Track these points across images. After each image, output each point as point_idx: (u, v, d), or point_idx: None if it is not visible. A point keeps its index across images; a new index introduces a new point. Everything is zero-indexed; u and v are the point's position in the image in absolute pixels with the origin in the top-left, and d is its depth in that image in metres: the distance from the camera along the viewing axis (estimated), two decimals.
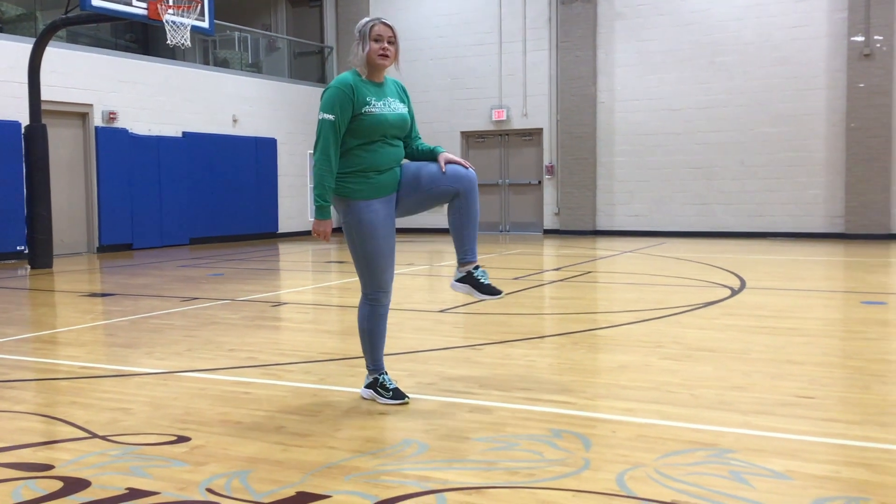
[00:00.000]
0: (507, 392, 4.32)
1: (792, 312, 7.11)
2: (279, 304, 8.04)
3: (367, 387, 4.22)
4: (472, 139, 19.18)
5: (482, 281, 4.13)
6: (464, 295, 4.32)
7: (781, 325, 6.44)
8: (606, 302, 8.43)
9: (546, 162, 18.39)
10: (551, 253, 14.15)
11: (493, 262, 12.18)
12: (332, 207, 4.04)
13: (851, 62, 15.53)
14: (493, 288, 4.15)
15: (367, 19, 4.10)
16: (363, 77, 4.05)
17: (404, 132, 4.14)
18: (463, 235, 4.13)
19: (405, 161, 4.22)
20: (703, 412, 3.94)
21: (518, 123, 18.58)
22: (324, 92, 4.05)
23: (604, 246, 14.99)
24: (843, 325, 6.80)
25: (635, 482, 2.98)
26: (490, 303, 7.74)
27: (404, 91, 4.24)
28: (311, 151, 4.18)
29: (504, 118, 18.55)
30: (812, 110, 16.02)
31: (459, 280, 4.18)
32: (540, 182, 18.59)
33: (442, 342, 5.81)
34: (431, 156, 4.16)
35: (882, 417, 3.88)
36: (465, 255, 4.15)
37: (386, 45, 4.03)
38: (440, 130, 19.10)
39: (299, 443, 3.50)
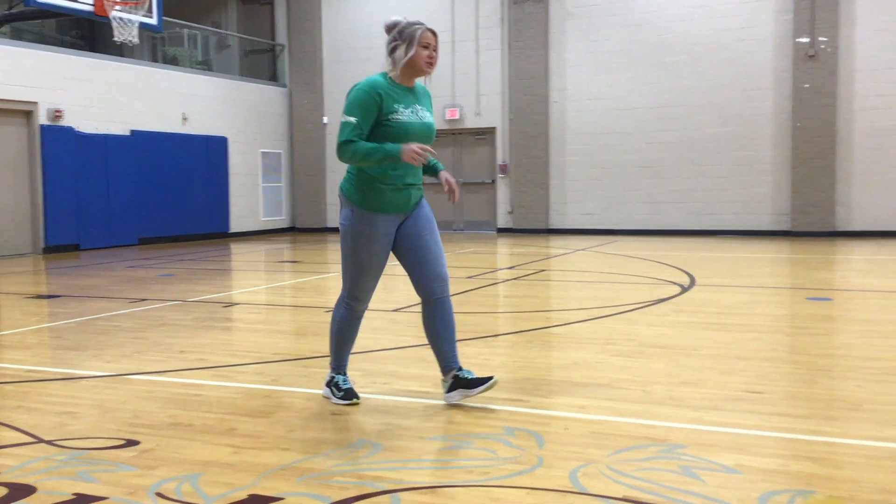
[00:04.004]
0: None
1: (740, 309, 7.23)
2: (231, 304, 7.94)
3: (326, 385, 4.22)
4: None
5: (470, 378, 4.04)
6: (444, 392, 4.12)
7: (730, 321, 6.55)
8: (559, 300, 8.49)
9: (499, 161, 18.46)
10: (505, 251, 14.21)
11: (447, 261, 12.19)
12: (385, 147, 3.81)
13: (797, 63, 15.86)
14: (482, 379, 4.03)
15: (412, 22, 4.01)
16: (394, 80, 3.98)
17: (429, 143, 4.01)
18: (444, 345, 4.08)
19: (426, 205, 4.14)
20: (655, 408, 3.99)
21: (471, 122, 18.61)
22: (349, 92, 3.92)
23: (557, 244, 15.10)
24: (790, 321, 6.94)
25: (588, 479, 3.00)
26: None
27: (430, 99, 4.16)
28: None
29: (457, 117, 18.57)
30: (759, 110, 16.32)
31: (450, 390, 4.07)
32: (493, 181, 18.66)
33: (395, 341, 5.80)
34: (433, 171, 4.12)
35: (828, 411, 3.97)
36: (448, 363, 4.08)
37: (433, 52, 3.98)
38: None
39: (251, 445, 3.46)
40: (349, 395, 4.10)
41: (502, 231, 18.46)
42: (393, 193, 3.95)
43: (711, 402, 4.08)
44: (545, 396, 4.25)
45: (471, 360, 5.12)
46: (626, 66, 17.23)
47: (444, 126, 18.78)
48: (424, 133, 3.97)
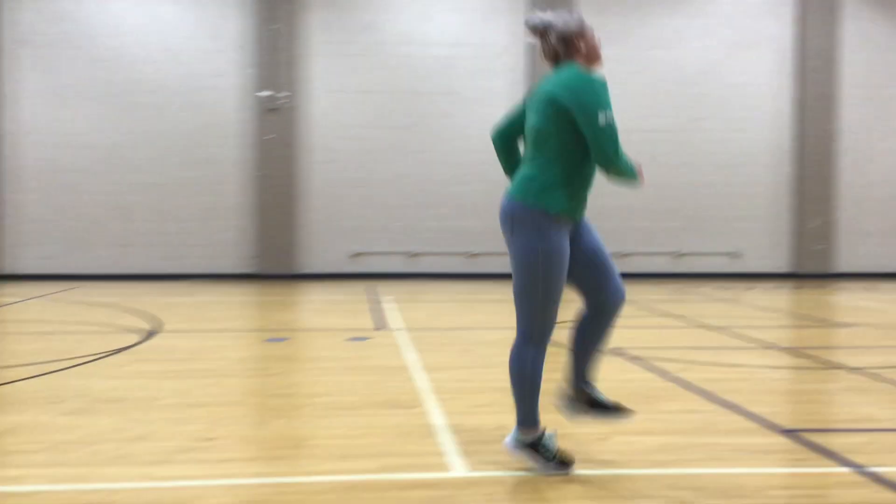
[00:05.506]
0: None
1: (202, 354, 7.25)
2: None
3: (523, 447, 3.66)
4: None
5: (601, 398, 3.81)
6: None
7: (191, 367, 6.51)
8: (4, 355, 7.59)
9: None
10: None
11: None
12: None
13: (261, 114, 16.71)
14: (616, 405, 3.82)
15: (570, 11, 3.60)
16: None
17: None
18: (591, 355, 3.77)
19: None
20: (101, 469, 3.75)
21: None
22: (585, 84, 3.32)
23: (8, 292, 13.58)
24: (248, 363, 7.17)
25: None
26: None
27: None
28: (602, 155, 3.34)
29: None
30: (225, 157, 16.79)
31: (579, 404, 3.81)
32: None
33: None
34: None
35: (275, 451, 4.14)
36: (586, 378, 3.80)
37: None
38: None
39: None
40: (567, 459, 3.66)
41: None
42: (582, 192, 3.53)
43: (161, 456, 3.96)
44: None
45: None
46: (88, 103, 16.39)
47: None
48: None
